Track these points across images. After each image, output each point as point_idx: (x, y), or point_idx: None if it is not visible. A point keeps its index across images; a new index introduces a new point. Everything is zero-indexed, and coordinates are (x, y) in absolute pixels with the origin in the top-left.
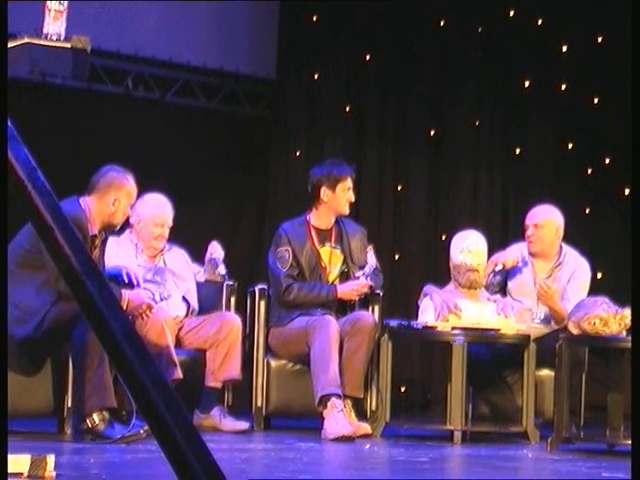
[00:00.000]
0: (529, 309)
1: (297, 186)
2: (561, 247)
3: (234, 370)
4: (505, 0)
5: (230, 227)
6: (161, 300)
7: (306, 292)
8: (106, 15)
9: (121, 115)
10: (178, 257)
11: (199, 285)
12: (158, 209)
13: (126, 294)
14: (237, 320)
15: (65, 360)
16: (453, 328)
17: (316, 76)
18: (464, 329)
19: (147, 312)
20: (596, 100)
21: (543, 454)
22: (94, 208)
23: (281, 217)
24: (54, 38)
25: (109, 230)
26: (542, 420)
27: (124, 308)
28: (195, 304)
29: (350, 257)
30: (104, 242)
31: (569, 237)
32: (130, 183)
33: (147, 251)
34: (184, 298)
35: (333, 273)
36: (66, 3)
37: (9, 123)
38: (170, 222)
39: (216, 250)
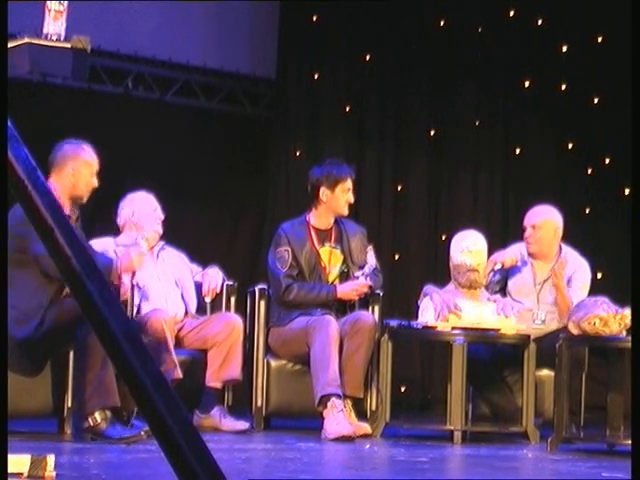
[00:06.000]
0: (529, 309)
1: (297, 186)
2: (561, 247)
3: (235, 370)
4: (505, 0)
5: (230, 227)
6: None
7: (306, 292)
8: (106, 15)
9: (121, 115)
10: (175, 256)
11: (197, 285)
12: (148, 198)
13: (118, 261)
14: (239, 321)
15: (65, 360)
16: (453, 328)
17: (316, 76)
18: (464, 329)
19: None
20: (596, 100)
21: (543, 454)
22: (56, 186)
23: (281, 217)
24: (54, 38)
25: (78, 204)
26: (542, 420)
27: (119, 271)
28: (193, 304)
29: (350, 257)
30: (78, 219)
31: (569, 237)
32: (86, 152)
33: (149, 235)
34: (182, 298)
35: (333, 273)
36: (66, 3)
37: (9, 123)
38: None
39: (213, 280)
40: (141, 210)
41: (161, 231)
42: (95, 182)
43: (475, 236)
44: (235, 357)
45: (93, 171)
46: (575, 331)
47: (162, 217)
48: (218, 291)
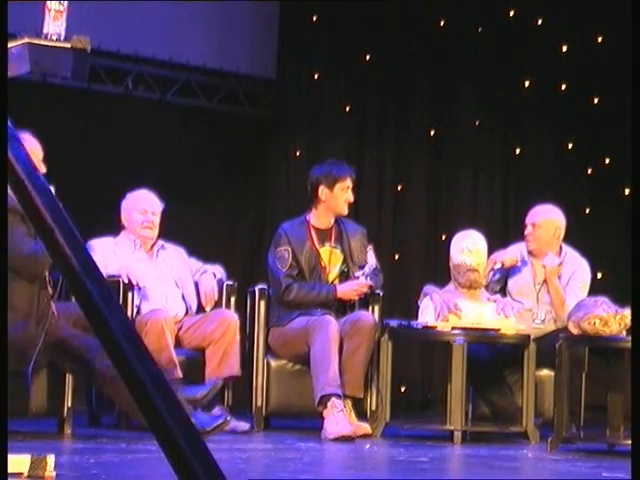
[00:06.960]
0: (529, 309)
1: (297, 186)
2: (561, 247)
3: (233, 367)
4: (505, 0)
5: (230, 227)
6: None
7: (306, 292)
8: (106, 15)
9: (121, 115)
10: (175, 255)
11: (197, 284)
12: (140, 198)
13: None
14: (234, 317)
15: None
16: (453, 328)
17: (316, 76)
18: (464, 329)
19: None
20: (596, 100)
21: (543, 454)
22: None
23: (281, 217)
24: (54, 38)
25: None
26: (542, 420)
27: None
28: (193, 303)
29: (350, 257)
30: None
31: (569, 237)
32: (27, 142)
33: (143, 242)
34: (183, 298)
35: (333, 273)
36: (66, 3)
37: (9, 123)
38: (156, 210)
39: (208, 287)
40: (129, 214)
41: (152, 235)
42: (43, 168)
43: (475, 236)
44: (233, 354)
45: (39, 159)
46: (575, 331)
47: (152, 219)
48: (216, 298)
